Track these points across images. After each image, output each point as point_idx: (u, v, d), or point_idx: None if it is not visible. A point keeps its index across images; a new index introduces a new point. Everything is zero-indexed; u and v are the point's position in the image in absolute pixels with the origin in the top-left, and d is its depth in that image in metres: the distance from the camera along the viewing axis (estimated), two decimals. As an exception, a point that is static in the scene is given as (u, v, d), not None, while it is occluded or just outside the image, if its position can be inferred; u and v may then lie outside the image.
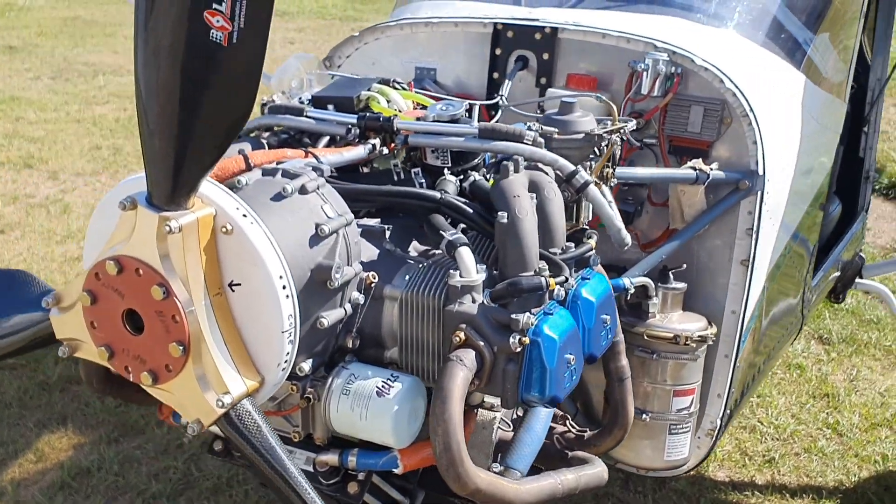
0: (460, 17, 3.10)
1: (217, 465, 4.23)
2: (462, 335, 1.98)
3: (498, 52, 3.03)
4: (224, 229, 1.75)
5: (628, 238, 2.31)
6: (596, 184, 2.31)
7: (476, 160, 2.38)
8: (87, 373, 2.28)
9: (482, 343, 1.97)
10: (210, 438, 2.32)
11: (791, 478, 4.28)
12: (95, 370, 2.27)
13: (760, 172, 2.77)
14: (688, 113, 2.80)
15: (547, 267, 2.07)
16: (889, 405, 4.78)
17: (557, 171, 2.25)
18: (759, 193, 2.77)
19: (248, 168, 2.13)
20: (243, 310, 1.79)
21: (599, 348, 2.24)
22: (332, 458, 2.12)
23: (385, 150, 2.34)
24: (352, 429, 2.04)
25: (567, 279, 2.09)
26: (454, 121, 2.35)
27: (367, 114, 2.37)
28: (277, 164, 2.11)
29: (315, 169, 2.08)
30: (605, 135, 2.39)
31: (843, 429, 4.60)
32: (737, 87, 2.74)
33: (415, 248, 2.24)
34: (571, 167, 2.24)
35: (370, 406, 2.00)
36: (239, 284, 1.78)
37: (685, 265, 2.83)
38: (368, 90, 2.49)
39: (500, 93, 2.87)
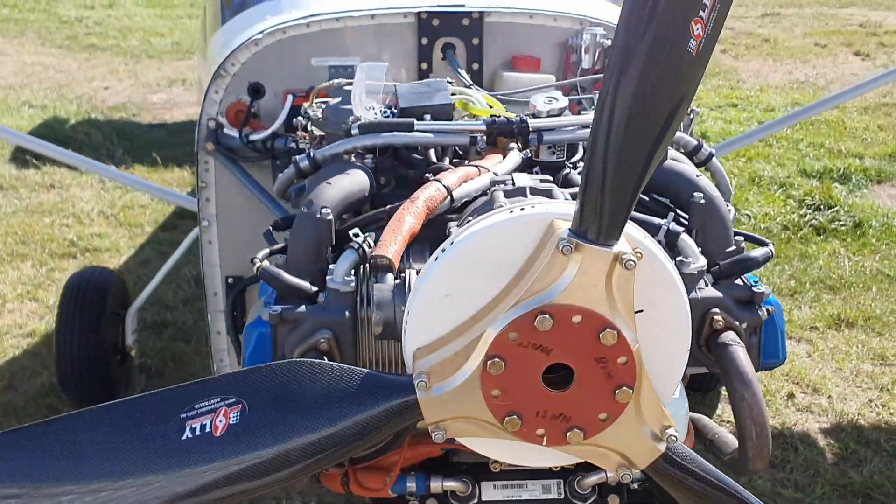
0: (376, 8, 2.90)
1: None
2: (721, 319, 1.99)
3: (424, 41, 2.91)
4: (638, 255, 1.60)
5: None
6: None
7: (580, 152, 2.33)
8: None
9: (736, 322, 2.01)
10: None
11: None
12: None
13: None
14: None
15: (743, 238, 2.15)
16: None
17: (681, 148, 2.31)
18: None
19: (451, 196, 1.94)
20: (647, 336, 1.64)
21: None
22: (596, 477, 2.02)
23: (528, 153, 2.21)
24: None
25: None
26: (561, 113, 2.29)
27: (495, 118, 2.20)
28: (502, 183, 1.93)
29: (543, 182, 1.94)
30: None
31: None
32: None
33: None
34: (695, 142, 2.32)
35: None
36: (641, 311, 1.64)
37: None
38: (452, 94, 2.30)
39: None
